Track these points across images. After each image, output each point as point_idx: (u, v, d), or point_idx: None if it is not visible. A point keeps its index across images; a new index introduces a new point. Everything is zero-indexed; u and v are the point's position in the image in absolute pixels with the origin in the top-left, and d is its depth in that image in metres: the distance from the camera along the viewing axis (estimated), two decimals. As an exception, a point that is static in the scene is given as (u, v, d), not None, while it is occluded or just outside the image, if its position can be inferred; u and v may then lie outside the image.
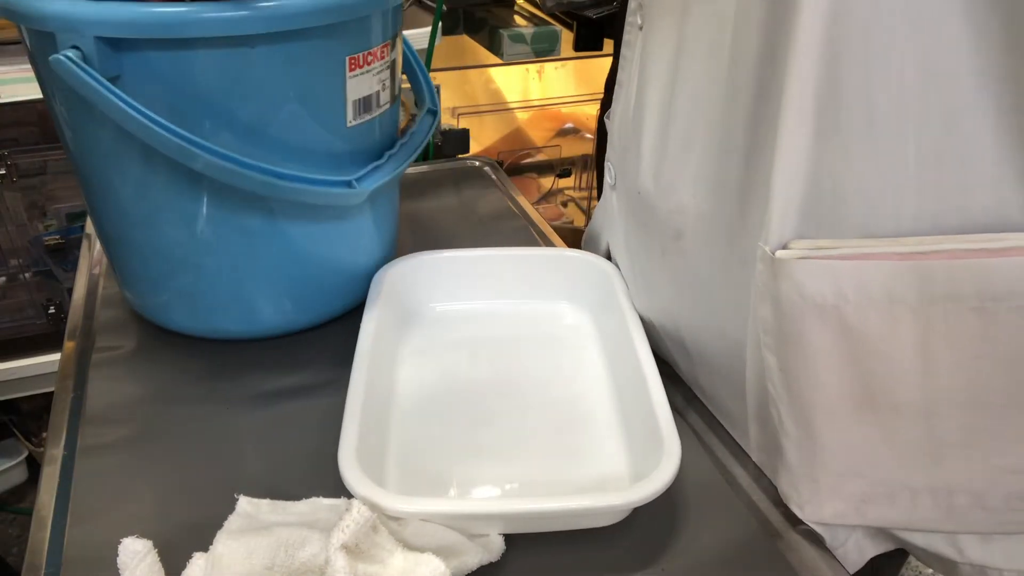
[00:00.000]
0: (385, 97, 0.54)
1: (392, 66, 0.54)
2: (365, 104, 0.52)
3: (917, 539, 0.49)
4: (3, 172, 1.17)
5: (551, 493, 0.47)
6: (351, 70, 0.50)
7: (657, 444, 0.45)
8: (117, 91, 0.44)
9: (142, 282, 0.58)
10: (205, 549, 0.42)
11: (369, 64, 0.51)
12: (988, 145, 0.38)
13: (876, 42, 0.37)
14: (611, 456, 0.50)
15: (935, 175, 0.39)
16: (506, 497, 0.43)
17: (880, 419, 0.44)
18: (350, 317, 0.61)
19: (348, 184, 0.51)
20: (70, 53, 0.43)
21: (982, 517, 0.45)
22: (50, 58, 0.43)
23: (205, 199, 0.51)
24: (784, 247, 0.42)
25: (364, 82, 0.51)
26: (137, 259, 0.56)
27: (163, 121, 0.45)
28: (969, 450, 0.43)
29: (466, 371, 0.57)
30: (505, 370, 0.58)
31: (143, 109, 0.44)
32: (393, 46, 0.53)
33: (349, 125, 0.52)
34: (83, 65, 0.43)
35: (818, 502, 0.47)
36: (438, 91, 0.73)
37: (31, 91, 1.08)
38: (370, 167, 0.53)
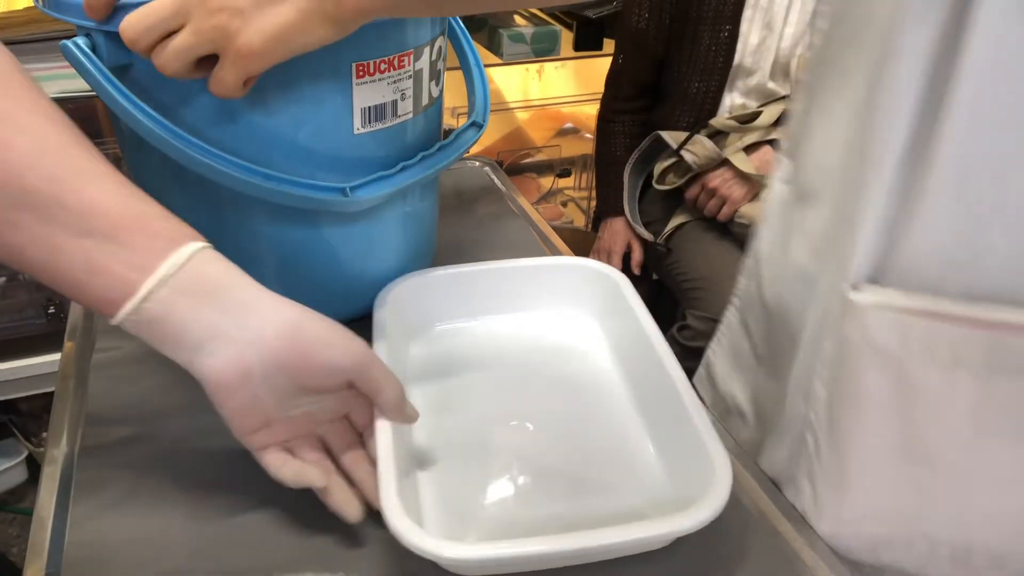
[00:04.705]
0: (406, 107, 0.53)
1: (417, 76, 0.53)
2: (377, 112, 0.52)
3: None
4: (3, 172, 1.17)
5: (596, 522, 0.43)
6: (358, 77, 0.49)
7: (702, 463, 0.43)
8: (115, 80, 0.45)
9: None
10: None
11: (382, 72, 0.50)
12: None
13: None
14: (650, 478, 0.48)
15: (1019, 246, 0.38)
16: (559, 534, 0.40)
17: (915, 473, 0.43)
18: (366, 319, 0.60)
19: (343, 192, 0.50)
20: (80, 40, 0.44)
21: None
22: (59, 44, 0.44)
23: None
24: (856, 288, 0.41)
25: (375, 90, 0.51)
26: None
27: (151, 112, 0.45)
28: (1001, 517, 0.43)
29: (484, 396, 0.55)
30: (523, 392, 0.55)
31: (135, 99, 0.45)
32: (419, 57, 0.52)
33: (357, 132, 0.51)
34: (88, 52, 0.44)
35: (837, 536, 0.47)
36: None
37: (31, 91, 1.07)
38: (374, 176, 0.52)
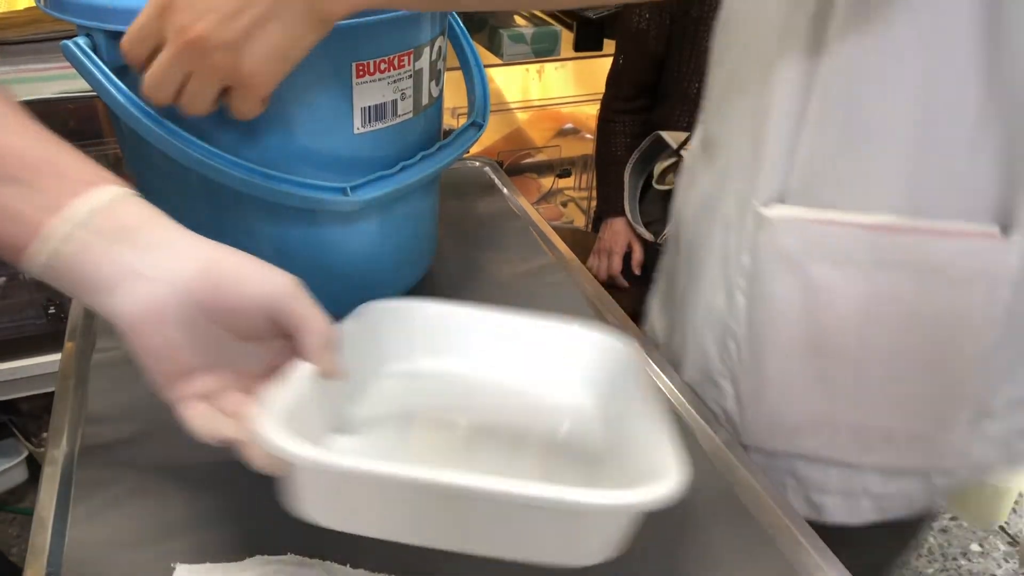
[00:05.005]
0: (406, 107, 0.53)
1: (417, 76, 0.53)
2: (377, 112, 0.52)
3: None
4: (3, 172, 1.17)
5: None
6: (358, 77, 0.49)
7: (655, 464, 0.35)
8: (116, 81, 0.45)
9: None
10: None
11: (382, 72, 0.50)
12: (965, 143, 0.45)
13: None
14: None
15: (917, 168, 0.46)
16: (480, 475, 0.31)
17: (820, 363, 0.52)
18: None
19: (343, 192, 0.50)
20: (80, 40, 0.45)
21: (886, 450, 0.53)
22: (60, 44, 0.45)
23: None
24: (766, 205, 0.50)
25: (375, 90, 0.51)
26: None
27: (152, 112, 0.45)
28: (888, 395, 0.52)
29: (445, 421, 0.47)
30: (492, 433, 0.46)
31: (137, 100, 0.45)
32: (419, 57, 0.52)
33: (357, 132, 0.52)
34: (88, 52, 0.45)
35: (756, 429, 0.55)
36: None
37: (31, 91, 1.08)
38: (374, 176, 0.52)
